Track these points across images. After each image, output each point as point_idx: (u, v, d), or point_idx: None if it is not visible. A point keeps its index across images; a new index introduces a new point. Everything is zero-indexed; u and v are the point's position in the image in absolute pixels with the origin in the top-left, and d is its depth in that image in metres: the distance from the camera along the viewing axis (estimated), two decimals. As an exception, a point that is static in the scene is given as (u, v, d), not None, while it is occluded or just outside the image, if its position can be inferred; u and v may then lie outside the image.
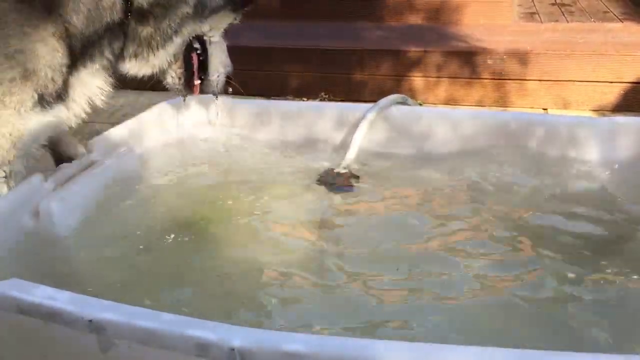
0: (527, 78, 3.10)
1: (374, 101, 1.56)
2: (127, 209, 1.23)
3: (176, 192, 1.32)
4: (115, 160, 1.28)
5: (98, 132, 2.81)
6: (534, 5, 4.40)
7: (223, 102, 1.59)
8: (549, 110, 3.08)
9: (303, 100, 3.24)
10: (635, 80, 2.99)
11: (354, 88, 3.23)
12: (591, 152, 1.43)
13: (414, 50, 3.21)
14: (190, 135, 1.54)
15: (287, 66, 3.26)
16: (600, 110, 3.05)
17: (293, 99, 3.25)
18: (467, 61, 3.15)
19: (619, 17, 3.89)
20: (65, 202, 1.13)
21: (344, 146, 1.48)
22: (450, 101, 3.17)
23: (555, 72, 3.07)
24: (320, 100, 3.26)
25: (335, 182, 1.39)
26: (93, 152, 1.30)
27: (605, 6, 4.26)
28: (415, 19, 3.76)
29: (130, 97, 2.87)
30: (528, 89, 3.11)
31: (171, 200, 1.28)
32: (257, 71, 3.18)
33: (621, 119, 1.42)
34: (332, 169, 1.46)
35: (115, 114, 3.11)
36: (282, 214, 1.28)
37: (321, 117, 1.51)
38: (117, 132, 1.38)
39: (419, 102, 3.22)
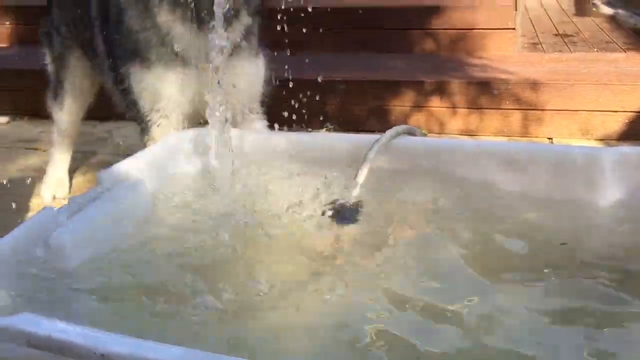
0: (532, 108, 3.13)
1: (383, 131, 1.58)
2: (137, 244, 1.23)
3: (186, 227, 1.32)
4: (125, 192, 1.29)
5: (105, 163, 2.86)
6: (537, 36, 4.46)
7: (234, 132, 1.60)
8: (554, 140, 3.10)
9: (309, 131, 3.27)
10: (639, 110, 3.01)
11: (362, 118, 3.27)
12: (603, 184, 1.43)
13: (416, 80, 3.24)
14: (202, 166, 1.55)
15: (302, 96, 3.29)
16: (606, 140, 3.06)
17: (302, 129, 3.28)
18: (472, 91, 3.18)
19: (622, 48, 3.93)
20: (75, 235, 1.13)
21: (350, 177, 1.48)
22: (463, 132, 3.20)
23: (559, 102, 3.09)
24: (327, 130, 3.29)
25: (342, 214, 1.39)
26: (104, 183, 1.31)
27: (608, 36, 4.31)
28: (417, 49, 3.81)
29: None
30: (532, 119, 3.13)
31: (180, 235, 1.29)
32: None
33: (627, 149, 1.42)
34: (339, 201, 1.46)
35: (122, 144, 3.14)
36: (288, 247, 1.28)
37: (330, 148, 1.52)
38: (128, 164, 1.39)
39: (423, 131, 3.25)
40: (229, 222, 1.36)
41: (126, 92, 1.80)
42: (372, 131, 3.21)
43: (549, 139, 3.12)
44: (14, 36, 4.41)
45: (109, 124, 3.41)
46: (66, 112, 2.52)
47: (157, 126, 1.78)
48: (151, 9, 1.64)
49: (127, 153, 2.89)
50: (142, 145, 1.79)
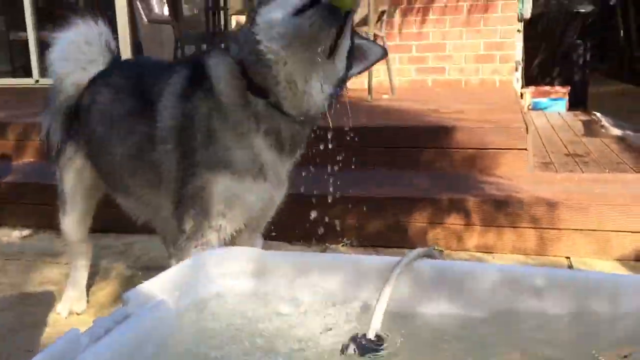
0: (547, 227, 3.15)
1: (404, 247, 1.61)
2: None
3: (208, 355, 1.31)
4: (150, 314, 1.30)
5: (124, 278, 2.88)
6: (549, 156, 4.57)
7: (256, 253, 1.63)
8: (572, 259, 3.09)
9: (327, 246, 3.30)
10: (655, 231, 3.02)
11: (380, 234, 3.30)
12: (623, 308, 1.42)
13: (433, 197, 3.30)
14: (226, 288, 1.56)
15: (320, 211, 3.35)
16: (624, 260, 3.05)
17: (318, 245, 3.32)
18: (487, 209, 3.22)
19: (633, 169, 4.00)
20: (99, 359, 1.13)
21: (370, 305, 1.47)
22: (479, 248, 3.21)
23: (575, 222, 3.11)
24: (343, 246, 3.31)
25: (362, 347, 1.37)
26: (129, 304, 1.32)
27: (618, 157, 4.41)
28: (433, 167, 3.90)
29: (153, 240, 2.94)
30: (548, 238, 3.14)
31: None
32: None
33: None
34: (358, 334, 1.43)
35: (141, 257, 3.18)
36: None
37: (346, 271, 1.53)
38: (154, 283, 1.41)
39: (440, 248, 3.27)
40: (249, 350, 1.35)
41: (193, 199, 1.94)
42: (390, 247, 3.24)
43: (567, 257, 3.12)
44: (41, 152, 4.60)
45: (127, 236, 3.47)
46: (70, 223, 2.58)
47: (217, 231, 1.96)
48: (248, 135, 1.90)
49: (146, 266, 2.94)
50: (181, 252, 1.96)
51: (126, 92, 2.25)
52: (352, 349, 1.33)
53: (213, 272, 1.61)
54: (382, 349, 1.33)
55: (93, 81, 2.39)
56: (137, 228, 3.49)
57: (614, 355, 1.25)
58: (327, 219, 2.51)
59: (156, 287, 1.41)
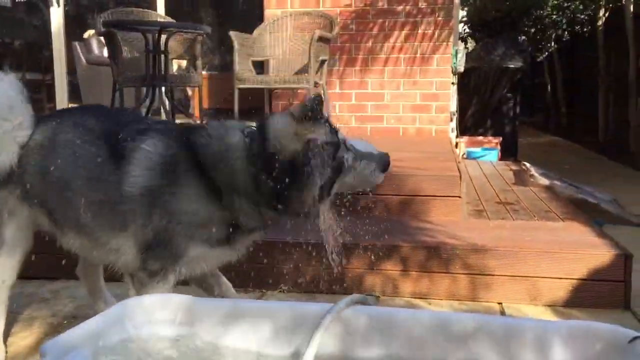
0: (480, 273, 3.21)
1: (342, 294, 1.62)
2: None
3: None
4: (69, 366, 1.23)
5: (53, 326, 2.74)
6: (481, 203, 4.70)
7: (184, 300, 1.59)
8: (504, 304, 3.15)
9: (262, 292, 3.25)
10: (581, 277, 3.13)
11: (317, 280, 3.27)
12: (551, 355, 1.45)
13: (367, 244, 3.32)
14: (151, 338, 1.50)
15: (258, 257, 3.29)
16: (554, 306, 3.14)
17: (253, 291, 3.26)
18: (421, 255, 3.26)
19: (560, 217, 4.16)
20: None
21: (301, 351, 1.46)
22: (415, 295, 3.23)
23: (506, 268, 3.19)
24: (280, 291, 3.27)
25: None
26: (46, 356, 1.25)
27: (547, 206, 4.58)
28: (368, 214, 3.93)
29: (81, 287, 2.82)
30: (481, 283, 3.20)
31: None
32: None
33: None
34: None
35: (68, 305, 3.03)
36: None
37: (279, 318, 1.51)
38: (74, 335, 1.34)
39: (377, 294, 3.27)
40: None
41: (162, 250, 2.06)
42: (327, 293, 3.23)
43: (499, 303, 3.18)
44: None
45: (53, 283, 3.32)
46: (5, 266, 2.44)
47: (177, 275, 2.12)
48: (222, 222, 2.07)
49: (73, 315, 2.80)
50: (143, 287, 2.07)
51: (93, 138, 2.22)
52: None
53: (139, 320, 1.56)
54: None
55: (45, 121, 2.33)
56: (64, 274, 3.37)
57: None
58: (264, 264, 2.48)
59: (76, 337, 1.34)
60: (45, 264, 3.47)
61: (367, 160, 2.08)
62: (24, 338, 2.69)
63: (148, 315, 1.56)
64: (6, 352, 2.52)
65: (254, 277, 3.20)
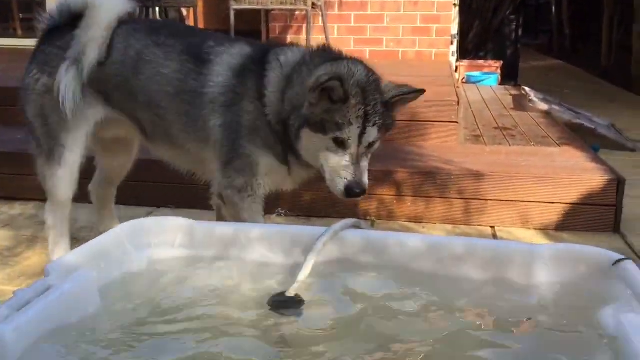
0: (474, 197, 3.27)
1: (337, 218, 1.68)
2: (82, 340, 1.22)
3: (130, 322, 1.32)
4: (72, 286, 1.28)
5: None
6: (479, 129, 4.71)
7: (185, 223, 1.64)
8: (496, 228, 3.23)
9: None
10: (573, 202, 3.19)
11: (313, 204, 3.33)
12: (536, 276, 1.51)
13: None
14: (152, 258, 1.56)
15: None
16: (545, 229, 3.21)
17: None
18: (417, 180, 3.31)
19: (557, 142, 4.18)
20: (19, 331, 1.12)
21: (297, 268, 1.53)
22: (410, 219, 3.30)
23: (500, 193, 3.24)
24: (277, 215, 3.33)
25: (284, 305, 1.43)
26: (51, 275, 1.30)
27: (544, 131, 4.59)
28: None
29: (80, 208, 2.87)
30: (475, 208, 3.26)
31: (127, 329, 1.28)
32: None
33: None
34: (282, 293, 1.49)
35: (70, 227, 3.09)
36: (231, 342, 1.29)
37: (276, 242, 1.56)
38: (75, 255, 1.39)
39: (372, 219, 3.34)
40: (175, 315, 1.36)
41: (242, 162, 2.15)
42: (323, 217, 3.29)
43: (492, 227, 3.25)
44: None
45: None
46: (66, 176, 2.39)
47: (263, 187, 2.21)
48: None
49: (74, 237, 2.87)
50: (235, 205, 2.16)
51: (179, 46, 2.25)
52: (276, 302, 1.40)
53: (141, 241, 1.61)
54: (301, 310, 1.39)
55: (127, 28, 2.31)
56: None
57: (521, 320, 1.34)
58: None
59: (80, 258, 1.39)
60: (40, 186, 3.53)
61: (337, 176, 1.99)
62: (27, 258, 2.77)
63: (148, 238, 1.60)
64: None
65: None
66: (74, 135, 2.34)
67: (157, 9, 5.38)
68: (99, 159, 2.71)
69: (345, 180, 1.94)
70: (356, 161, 1.95)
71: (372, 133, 1.97)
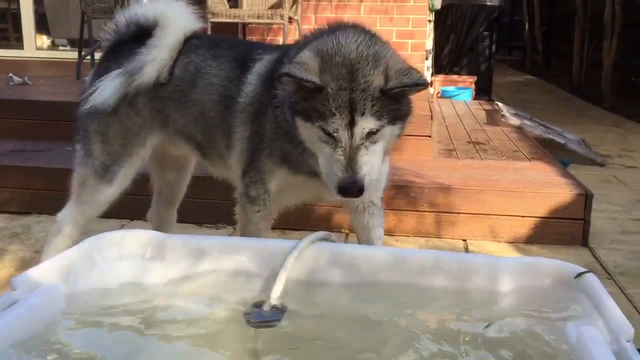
0: (446, 211, 3.31)
1: (311, 230, 1.68)
2: (48, 354, 1.21)
3: (99, 336, 1.31)
4: (39, 299, 1.28)
5: (25, 260, 2.77)
6: (452, 143, 4.77)
7: (155, 236, 1.64)
8: (468, 241, 3.27)
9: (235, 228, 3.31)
10: (542, 215, 3.25)
11: (288, 217, 3.33)
12: (501, 288, 1.54)
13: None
14: (121, 271, 1.55)
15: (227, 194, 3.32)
16: (515, 242, 3.26)
17: (227, 227, 3.33)
18: (390, 193, 3.34)
19: (527, 157, 4.26)
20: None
21: (271, 281, 1.54)
22: (384, 231, 3.31)
23: (471, 206, 3.29)
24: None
25: (259, 319, 1.44)
26: (17, 289, 1.29)
27: (515, 146, 4.67)
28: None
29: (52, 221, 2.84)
30: (446, 221, 3.31)
31: (93, 345, 1.28)
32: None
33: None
34: (258, 304, 1.50)
35: (40, 239, 3.06)
36: (204, 353, 1.29)
37: (247, 255, 1.57)
38: (42, 269, 1.39)
39: (346, 230, 3.36)
40: (144, 328, 1.36)
41: (257, 174, 2.08)
42: (297, 229, 3.30)
43: (464, 240, 3.30)
44: None
45: (24, 217, 3.34)
46: (112, 196, 2.33)
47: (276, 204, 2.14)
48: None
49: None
50: (246, 215, 2.11)
51: (231, 55, 2.21)
52: (249, 315, 1.40)
53: (110, 255, 1.60)
54: (275, 323, 1.40)
55: (190, 45, 2.28)
56: (35, 208, 3.38)
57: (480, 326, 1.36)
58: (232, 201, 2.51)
59: (47, 271, 1.39)
60: (17, 198, 3.49)
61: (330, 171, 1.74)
62: (-5, 272, 2.73)
63: (118, 251, 1.60)
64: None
65: (224, 214, 3.27)
66: (132, 160, 2.29)
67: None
68: (155, 180, 2.65)
69: (337, 177, 1.67)
70: (351, 155, 1.66)
71: (366, 123, 1.67)
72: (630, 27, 9.02)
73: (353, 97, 1.66)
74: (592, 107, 8.82)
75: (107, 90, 2.17)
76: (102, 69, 2.29)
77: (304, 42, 1.93)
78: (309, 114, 1.71)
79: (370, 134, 1.69)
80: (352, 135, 1.67)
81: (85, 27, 5.48)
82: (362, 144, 1.69)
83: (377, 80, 1.69)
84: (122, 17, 2.31)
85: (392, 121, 1.74)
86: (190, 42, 2.30)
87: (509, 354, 1.37)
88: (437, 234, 3.31)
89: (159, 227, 2.62)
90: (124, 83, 2.18)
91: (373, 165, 1.71)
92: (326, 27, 1.94)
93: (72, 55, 6.48)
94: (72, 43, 7.82)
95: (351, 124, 1.67)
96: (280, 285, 1.50)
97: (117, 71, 2.19)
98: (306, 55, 1.73)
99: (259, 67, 2.10)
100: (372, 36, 1.83)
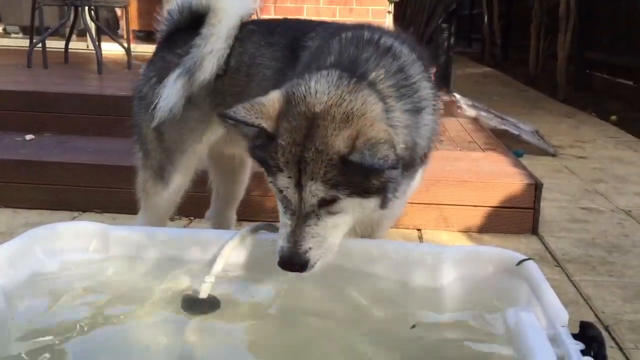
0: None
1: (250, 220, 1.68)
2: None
3: (40, 328, 1.30)
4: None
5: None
6: (409, 134, 4.81)
7: (97, 228, 1.62)
8: (422, 231, 3.32)
9: (190, 219, 3.29)
10: (494, 205, 3.32)
11: (244, 209, 3.32)
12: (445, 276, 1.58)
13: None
14: (64, 263, 1.53)
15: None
16: (467, 232, 3.32)
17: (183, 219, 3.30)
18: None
19: (482, 147, 4.34)
20: None
21: (208, 270, 1.55)
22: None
23: (425, 197, 3.33)
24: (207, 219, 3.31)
25: (196, 306, 1.45)
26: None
27: (471, 137, 4.75)
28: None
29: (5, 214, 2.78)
30: (405, 210, 3.34)
31: (31, 337, 1.26)
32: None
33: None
34: (195, 294, 1.51)
35: None
36: (141, 340, 1.29)
37: (189, 243, 1.57)
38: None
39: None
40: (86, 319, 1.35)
41: None
42: (253, 221, 3.28)
43: (418, 229, 3.34)
44: None
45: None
46: (173, 195, 2.17)
47: None
48: None
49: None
50: None
51: (284, 41, 2.02)
52: (188, 303, 1.40)
53: (53, 247, 1.58)
54: (208, 311, 1.40)
55: (244, 31, 2.11)
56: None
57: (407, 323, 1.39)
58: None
59: (-17, 263, 1.35)
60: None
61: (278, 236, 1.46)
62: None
63: (60, 243, 1.57)
64: None
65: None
66: (188, 157, 2.14)
67: (87, 8, 5.25)
68: (214, 180, 2.52)
69: (278, 245, 1.40)
70: (298, 223, 1.38)
71: (315, 189, 1.36)
72: (585, 21, 9.24)
73: (304, 156, 1.36)
74: (547, 99, 9.02)
75: (171, 98, 2.02)
76: (156, 60, 2.18)
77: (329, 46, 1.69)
78: (263, 162, 1.46)
79: (325, 202, 1.39)
80: (301, 199, 1.38)
81: (37, 14, 5.33)
82: (314, 211, 1.39)
83: (339, 145, 1.36)
84: (175, 4, 2.17)
85: (359, 194, 1.40)
86: (247, 27, 2.13)
87: (453, 338, 1.40)
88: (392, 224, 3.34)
89: (218, 227, 2.53)
90: (186, 85, 2.03)
91: (326, 238, 1.40)
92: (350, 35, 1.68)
93: (23, 43, 6.31)
94: (24, 30, 7.61)
95: (298, 187, 1.38)
96: (215, 271, 1.51)
97: (176, 73, 2.03)
98: (272, 96, 1.46)
99: (305, 57, 1.87)
100: (365, 84, 1.48)
